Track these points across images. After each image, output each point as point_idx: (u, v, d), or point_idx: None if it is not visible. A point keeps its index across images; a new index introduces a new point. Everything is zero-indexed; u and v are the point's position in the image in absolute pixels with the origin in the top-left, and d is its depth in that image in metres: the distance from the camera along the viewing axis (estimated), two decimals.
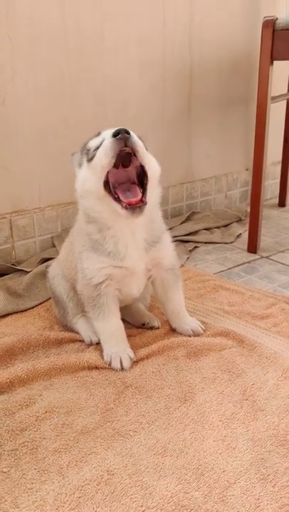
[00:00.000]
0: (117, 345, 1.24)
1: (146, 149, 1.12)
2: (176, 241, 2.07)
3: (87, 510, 0.82)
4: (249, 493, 0.86)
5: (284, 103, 2.52)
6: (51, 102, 1.82)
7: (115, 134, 1.04)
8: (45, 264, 1.74)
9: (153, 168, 1.15)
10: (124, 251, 1.18)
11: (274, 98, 2.09)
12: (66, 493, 0.85)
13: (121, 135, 1.04)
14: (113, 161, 1.05)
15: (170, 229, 2.20)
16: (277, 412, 1.05)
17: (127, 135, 1.04)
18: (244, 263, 1.93)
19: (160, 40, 2.09)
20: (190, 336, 1.34)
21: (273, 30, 1.74)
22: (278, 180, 2.78)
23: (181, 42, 2.16)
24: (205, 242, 2.14)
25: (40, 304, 1.56)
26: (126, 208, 1.08)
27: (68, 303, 1.38)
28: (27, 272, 1.73)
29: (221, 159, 2.54)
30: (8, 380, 1.13)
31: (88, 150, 1.12)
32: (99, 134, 1.14)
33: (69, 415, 1.04)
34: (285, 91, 2.57)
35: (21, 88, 1.73)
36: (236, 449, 0.95)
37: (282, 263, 1.92)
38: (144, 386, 1.14)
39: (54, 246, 1.90)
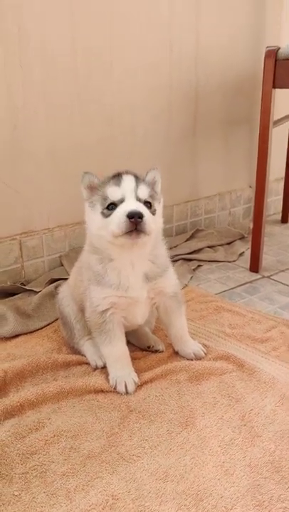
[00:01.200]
0: (122, 369, 1.30)
1: (159, 199, 1.26)
2: (180, 259, 2.15)
3: None
4: None
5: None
6: (61, 126, 1.88)
7: (130, 216, 1.12)
8: (54, 284, 1.80)
9: (156, 230, 1.23)
10: (126, 282, 1.25)
11: (276, 122, 2.15)
12: None
13: (134, 220, 1.12)
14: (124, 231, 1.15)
15: (175, 247, 2.29)
16: (273, 438, 1.10)
17: (139, 220, 1.12)
18: (246, 283, 1.99)
19: (167, 65, 2.15)
20: (192, 360, 1.39)
21: (275, 60, 1.80)
22: (281, 196, 2.84)
23: (188, 65, 2.23)
24: (208, 261, 2.19)
25: (48, 324, 1.63)
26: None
27: (76, 324, 1.44)
28: (36, 292, 1.79)
29: (224, 177, 2.60)
30: (18, 404, 1.19)
31: (105, 199, 1.18)
32: (119, 176, 1.20)
33: (76, 439, 1.10)
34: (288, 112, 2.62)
35: (32, 114, 1.80)
36: (234, 475, 1.01)
37: (282, 283, 1.97)
38: (147, 410, 1.20)
39: (62, 265, 1.97)
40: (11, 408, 1.18)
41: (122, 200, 1.16)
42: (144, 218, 1.13)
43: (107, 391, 1.27)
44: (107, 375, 1.31)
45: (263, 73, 1.85)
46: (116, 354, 1.31)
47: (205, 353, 1.42)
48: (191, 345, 1.42)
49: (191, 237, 2.41)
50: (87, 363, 1.39)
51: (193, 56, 2.24)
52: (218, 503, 0.94)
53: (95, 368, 1.37)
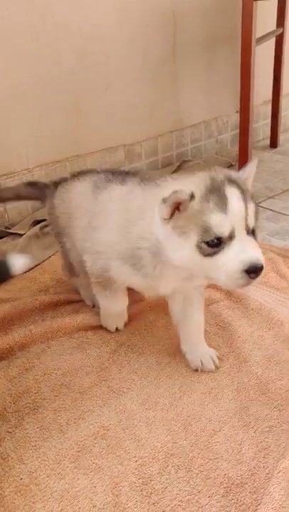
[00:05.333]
0: (117, 319, 1.26)
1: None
2: None
3: (86, 462, 0.91)
4: (232, 439, 0.94)
5: (273, 40, 2.43)
6: (27, 60, 1.77)
7: (250, 271, 0.87)
8: (39, 225, 1.77)
9: None
10: (164, 279, 1.04)
11: (260, 39, 2.03)
12: (66, 448, 0.93)
13: (254, 276, 0.88)
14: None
15: None
16: (261, 362, 1.12)
17: (258, 275, 0.89)
18: None
19: None
20: (197, 370, 1.12)
21: None
22: (269, 120, 2.74)
23: None
24: None
25: (35, 266, 1.61)
26: None
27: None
28: (21, 235, 1.76)
29: (209, 103, 2.49)
30: (8, 346, 1.20)
31: (206, 231, 0.88)
32: (221, 192, 0.89)
33: (66, 376, 1.12)
34: (274, 28, 2.46)
35: None
36: (222, 400, 1.03)
37: (271, 210, 1.94)
38: (136, 344, 1.21)
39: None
40: (0, 351, 1.19)
41: (231, 236, 0.88)
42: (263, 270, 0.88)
43: (95, 327, 1.27)
44: (96, 312, 1.31)
45: None
46: (116, 310, 1.23)
47: (215, 366, 1.12)
48: (203, 351, 1.14)
49: (178, 168, 2.34)
50: (77, 301, 1.39)
51: None
52: (206, 426, 0.97)
53: (93, 307, 1.35)
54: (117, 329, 1.26)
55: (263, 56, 2.43)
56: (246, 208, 0.90)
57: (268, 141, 2.79)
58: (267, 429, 0.96)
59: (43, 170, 1.92)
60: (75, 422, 0.99)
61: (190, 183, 0.92)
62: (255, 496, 0.84)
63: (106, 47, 1.97)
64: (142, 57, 2.11)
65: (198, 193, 0.90)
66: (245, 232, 0.90)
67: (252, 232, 0.92)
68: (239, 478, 0.87)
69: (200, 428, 0.96)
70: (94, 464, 0.90)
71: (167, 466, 0.90)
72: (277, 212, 1.92)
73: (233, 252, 0.88)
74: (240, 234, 0.89)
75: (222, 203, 0.88)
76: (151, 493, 0.85)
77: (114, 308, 1.23)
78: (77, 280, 1.37)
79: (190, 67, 2.31)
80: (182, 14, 2.18)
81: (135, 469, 0.89)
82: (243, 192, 0.91)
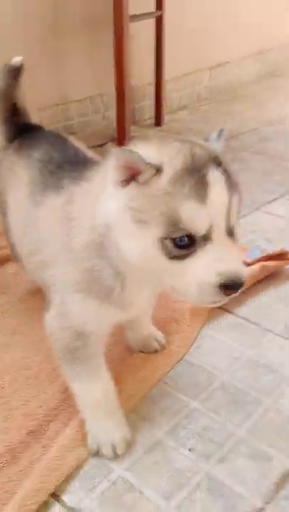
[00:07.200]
0: (107, 419, 0.93)
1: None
2: None
3: None
4: None
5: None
6: None
7: (227, 286, 0.68)
8: None
9: None
10: (135, 299, 0.85)
11: (135, 17, 2.16)
12: None
13: (231, 292, 0.69)
14: None
15: None
16: None
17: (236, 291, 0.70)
18: None
19: None
20: (141, 352, 1.10)
21: None
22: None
23: None
24: None
25: None
26: None
27: None
28: None
29: (95, 79, 2.61)
30: None
31: (175, 225, 0.67)
32: (203, 179, 0.68)
33: None
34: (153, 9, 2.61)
35: None
36: None
37: None
38: None
39: None
40: None
41: (207, 237, 0.68)
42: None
43: None
44: None
45: None
46: (98, 395, 0.92)
47: (158, 345, 1.12)
48: (149, 335, 1.10)
49: None
50: None
51: None
52: None
53: None
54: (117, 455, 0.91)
55: (146, 38, 2.59)
56: (230, 200, 0.70)
57: (153, 121, 2.97)
58: None
59: None
60: None
61: (162, 153, 0.71)
62: None
63: None
64: (22, 29, 2.18)
65: (171, 169, 0.69)
66: (225, 232, 0.70)
67: (232, 233, 0.72)
68: None
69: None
70: None
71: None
72: None
73: (207, 259, 0.68)
74: (219, 234, 0.69)
75: (201, 190, 0.67)
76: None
77: (97, 393, 0.92)
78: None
79: (73, 42, 2.42)
80: None
81: None
82: (229, 178, 0.71)
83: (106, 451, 0.90)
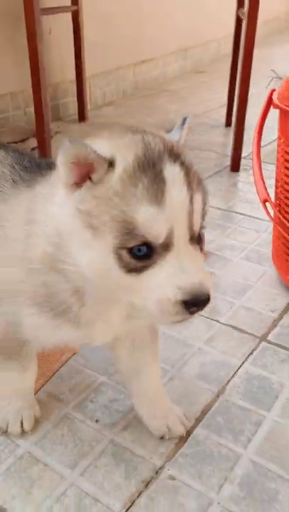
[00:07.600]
0: (21, 400, 0.92)
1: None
2: None
3: None
4: None
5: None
6: None
7: (190, 303, 0.59)
8: None
9: None
10: (100, 322, 0.75)
11: (47, 10, 2.16)
12: None
13: (194, 309, 0.60)
14: None
15: None
16: None
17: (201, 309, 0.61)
18: None
19: None
20: (162, 438, 0.91)
21: None
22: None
23: None
24: None
25: None
26: None
27: None
28: None
29: (16, 75, 2.59)
30: None
31: (130, 232, 0.58)
32: (158, 174, 0.59)
33: None
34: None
35: None
36: None
37: None
38: None
39: None
40: None
41: (167, 244, 0.60)
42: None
43: None
44: None
45: None
46: (22, 384, 0.90)
47: (185, 429, 0.92)
48: (167, 410, 0.92)
49: None
50: None
51: None
52: None
53: None
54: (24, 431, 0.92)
55: (67, 35, 2.61)
56: (192, 199, 0.60)
57: (77, 116, 2.99)
58: None
59: None
60: None
61: (112, 144, 0.62)
62: None
63: None
64: None
65: (122, 163, 0.59)
66: (188, 238, 0.61)
67: (197, 239, 0.63)
68: None
69: None
70: None
71: None
72: None
73: (167, 271, 0.60)
74: (181, 242, 0.60)
75: (157, 189, 0.58)
76: None
77: (21, 383, 0.89)
78: None
79: None
80: None
81: None
82: (189, 173, 0.61)
83: (14, 428, 0.92)
